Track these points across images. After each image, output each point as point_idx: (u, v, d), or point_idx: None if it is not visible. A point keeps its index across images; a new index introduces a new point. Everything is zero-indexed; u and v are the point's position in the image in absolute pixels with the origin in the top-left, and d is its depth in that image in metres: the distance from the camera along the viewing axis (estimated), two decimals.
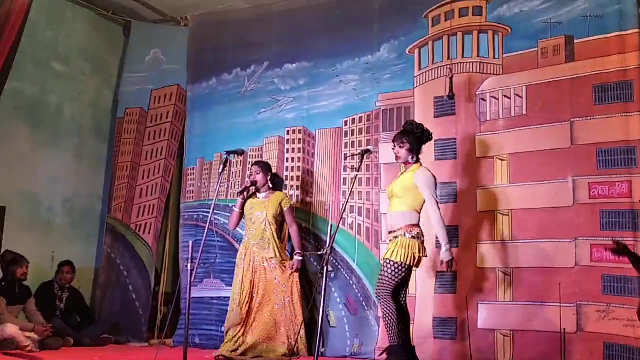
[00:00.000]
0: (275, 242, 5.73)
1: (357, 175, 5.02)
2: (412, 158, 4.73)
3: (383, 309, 4.52)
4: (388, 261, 4.53)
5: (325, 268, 4.30)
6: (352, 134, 6.24)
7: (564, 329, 4.72)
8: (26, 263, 6.17)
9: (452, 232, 5.47)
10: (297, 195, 6.47)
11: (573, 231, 5.01)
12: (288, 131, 6.64)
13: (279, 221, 5.83)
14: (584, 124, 5.09)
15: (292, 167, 6.58)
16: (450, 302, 5.41)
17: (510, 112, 5.45)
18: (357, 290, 5.86)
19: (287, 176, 6.58)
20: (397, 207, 4.66)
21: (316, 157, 6.46)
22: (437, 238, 4.90)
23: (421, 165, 4.74)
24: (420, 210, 4.65)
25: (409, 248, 4.50)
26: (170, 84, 7.60)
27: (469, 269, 5.39)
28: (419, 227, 4.62)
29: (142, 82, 7.75)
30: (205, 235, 4.97)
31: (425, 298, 5.52)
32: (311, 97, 6.57)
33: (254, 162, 6.08)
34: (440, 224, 4.57)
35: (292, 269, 5.70)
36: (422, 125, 4.84)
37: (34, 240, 6.90)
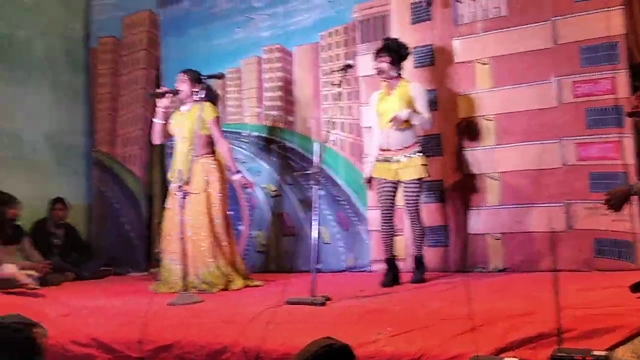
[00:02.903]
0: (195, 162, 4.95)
1: (339, 91, 4.99)
2: (395, 72, 4.83)
3: (417, 226, 4.80)
4: (416, 181, 4.75)
5: (316, 186, 4.32)
6: (329, 48, 6.11)
7: (554, 228, 4.80)
8: (18, 203, 6.13)
9: (434, 141, 5.48)
10: (280, 115, 6.40)
11: (558, 131, 5.01)
12: (265, 50, 6.50)
13: (205, 137, 5.16)
14: (566, 22, 4.99)
15: (272, 87, 6.47)
16: (438, 210, 5.47)
17: (487, 13, 5.33)
18: (347, 207, 5.89)
19: (267, 96, 6.48)
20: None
21: (295, 75, 6.34)
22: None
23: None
24: None
25: (425, 164, 4.76)
26: (140, 9, 7.36)
27: (456, 177, 5.42)
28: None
29: (112, 9, 7.52)
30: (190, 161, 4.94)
31: None
32: (286, 13, 6.38)
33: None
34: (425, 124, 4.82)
35: (242, 186, 5.47)
36: (399, 40, 4.96)
37: (21, 180, 6.77)
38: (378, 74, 4.90)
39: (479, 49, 5.37)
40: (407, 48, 4.92)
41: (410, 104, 4.76)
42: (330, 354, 2.02)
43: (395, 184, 4.81)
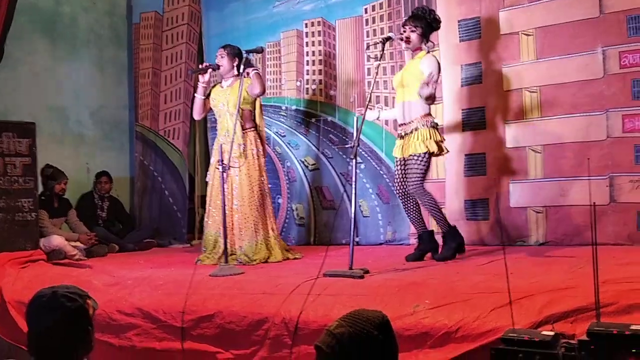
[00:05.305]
0: (240, 136, 5.09)
1: (379, 64, 4.93)
2: (424, 44, 4.65)
3: (423, 201, 4.58)
4: (414, 156, 4.53)
5: (354, 160, 4.32)
6: (373, 22, 6.05)
7: (594, 203, 4.71)
8: (65, 179, 6.31)
9: (479, 114, 5.41)
10: (320, 90, 6.38)
11: (604, 103, 4.90)
12: (306, 24, 6.46)
13: (248, 111, 5.29)
14: None
15: (313, 61, 6.45)
16: (480, 183, 5.43)
17: None
18: (387, 180, 5.87)
19: (307, 70, 6.47)
20: (409, 96, 4.60)
21: (337, 49, 6.30)
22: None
23: (428, 52, 4.65)
24: None
25: (430, 138, 4.50)
26: None
27: (498, 150, 5.35)
28: (431, 115, 4.62)
29: None
30: (233, 135, 4.97)
31: (455, 182, 5.55)
32: None
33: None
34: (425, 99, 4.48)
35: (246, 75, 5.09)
36: (434, 11, 4.78)
37: (67, 154, 6.99)
38: (406, 43, 4.68)
39: (524, 20, 5.26)
40: (439, 21, 4.73)
41: (418, 77, 4.54)
42: (383, 324, 2.03)
43: (404, 160, 4.64)
